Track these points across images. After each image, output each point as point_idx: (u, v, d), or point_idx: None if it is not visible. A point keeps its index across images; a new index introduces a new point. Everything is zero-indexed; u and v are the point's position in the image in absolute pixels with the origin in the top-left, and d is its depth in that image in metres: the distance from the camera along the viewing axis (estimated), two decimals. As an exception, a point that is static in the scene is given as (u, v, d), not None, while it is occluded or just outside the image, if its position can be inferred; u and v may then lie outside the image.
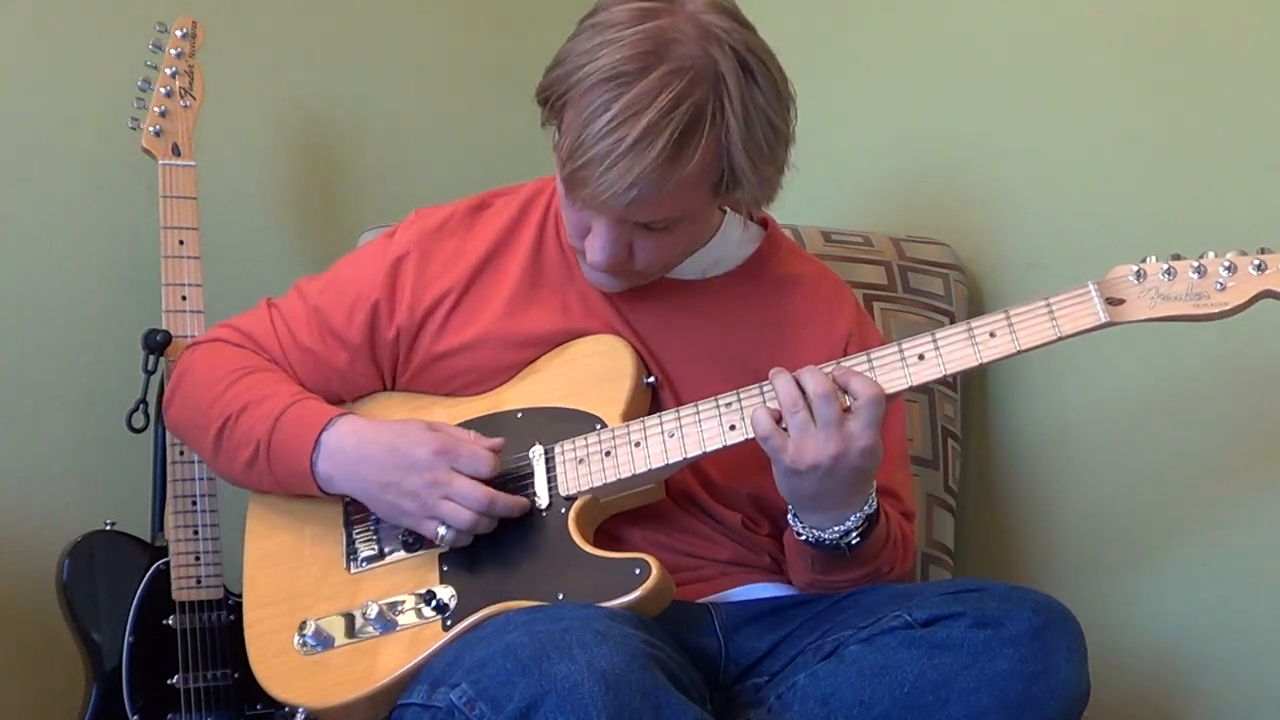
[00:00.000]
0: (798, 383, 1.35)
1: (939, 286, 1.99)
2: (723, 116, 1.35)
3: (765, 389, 1.40)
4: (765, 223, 1.63)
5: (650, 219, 1.40)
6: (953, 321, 1.96)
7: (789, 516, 1.43)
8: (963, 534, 2.00)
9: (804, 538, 1.42)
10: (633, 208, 1.37)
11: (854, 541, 1.41)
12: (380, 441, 1.44)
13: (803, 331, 1.57)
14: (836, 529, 1.40)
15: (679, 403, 1.49)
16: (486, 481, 1.41)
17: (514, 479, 1.45)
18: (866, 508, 1.40)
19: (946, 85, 2.08)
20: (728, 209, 1.59)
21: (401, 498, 1.41)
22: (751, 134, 1.37)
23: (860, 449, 1.34)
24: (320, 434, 1.45)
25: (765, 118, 1.38)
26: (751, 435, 1.38)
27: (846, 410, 1.34)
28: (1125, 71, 1.85)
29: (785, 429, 1.35)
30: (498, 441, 1.43)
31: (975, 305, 2.03)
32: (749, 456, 1.41)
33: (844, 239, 2.00)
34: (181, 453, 1.80)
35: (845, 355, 1.54)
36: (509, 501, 1.41)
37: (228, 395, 1.51)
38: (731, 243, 1.58)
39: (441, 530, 1.40)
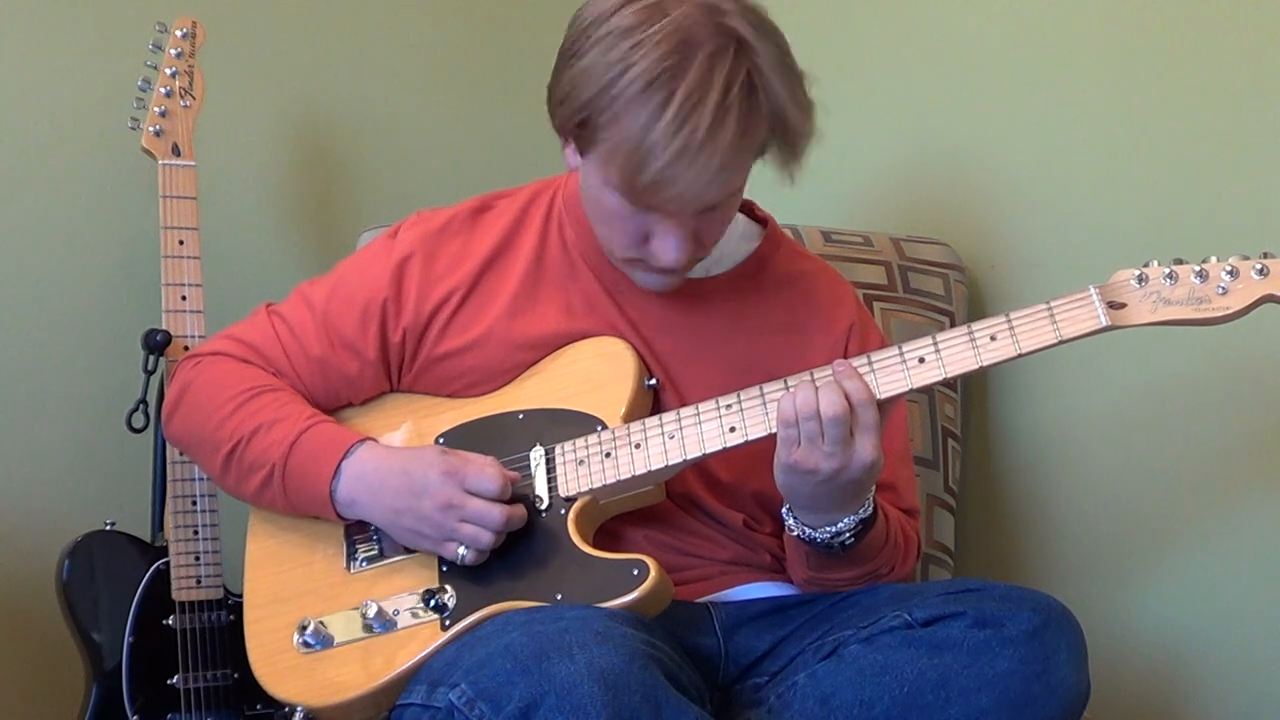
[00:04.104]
0: (815, 400, 1.34)
1: (939, 286, 1.99)
2: (765, 79, 1.36)
3: (766, 390, 1.40)
4: (765, 221, 1.63)
5: (723, 198, 1.41)
6: (953, 321, 1.96)
7: (784, 510, 1.44)
8: (963, 534, 2.00)
9: (796, 533, 1.43)
10: (715, 193, 1.38)
11: (847, 542, 1.41)
12: (395, 468, 1.43)
13: (806, 327, 1.57)
14: (827, 529, 1.40)
15: (681, 402, 1.49)
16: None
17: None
18: (862, 512, 1.40)
19: (947, 85, 2.08)
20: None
21: (418, 523, 1.41)
22: (790, 87, 1.38)
23: (861, 463, 1.33)
24: (341, 461, 1.45)
25: (789, 67, 1.39)
26: (750, 438, 1.39)
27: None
28: (1126, 71, 1.85)
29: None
30: (514, 475, 1.43)
31: (975, 305, 2.03)
32: (756, 453, 1.42)
33: (844, 239, 2.00)
34: (181, 453, 1.80)
35: (846, 350, 1.56)
36: (522, 515, 1.41)
37: (236, 417, 1.50)
38: (734, 239, 1.58)
39: (461, 550, 1.40)
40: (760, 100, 1.36)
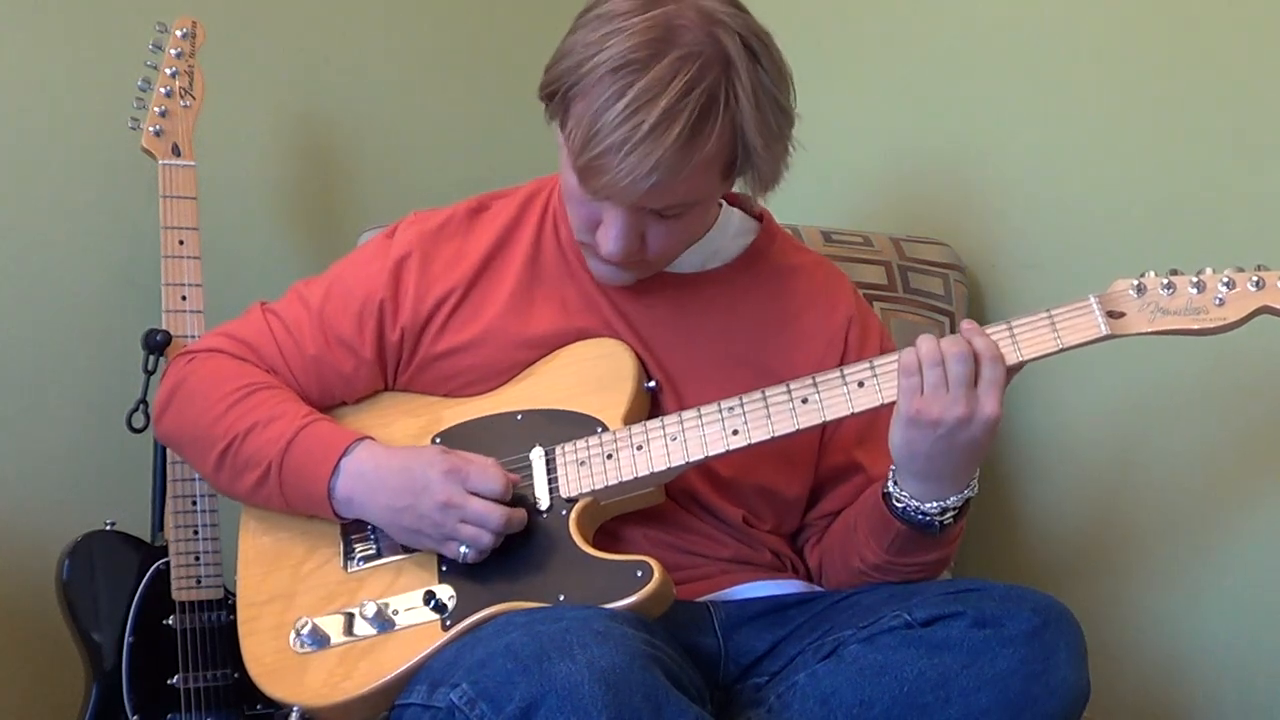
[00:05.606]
0: (939, 345, 1.35)
1: (939, 286, 1.99)
2: (735, 99, 1.36)
3: (768, 394, 1.40)
4: (761, 216, 1.63)
5: (665, 205, 1.40)
6: (953, 321, 1.97)
7: (888, 484, 1.42)
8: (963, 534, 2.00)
9: (901, 506, 1.41)
10: (650, 194, 1.36)
11: (947, 521, 1.41)
12: (395, 466, 1.43)
13: (802, 320, 1.57)
14: (935, 504, 1.40)
15: (678, 397, 1.49)
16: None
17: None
18: (968, 491, 1.40)
19: (947, 85, 2.08)
20: (723, 202, 1.59)
21: (418, 521, 1.41)
22: (762, 114, 1.38)
23: (985, 417, 1.33)
24: (340, 460, 1.45)
25: (772, 98, 1.39)
26: (753, 441, 1.39)
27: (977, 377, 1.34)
28: (1126, 72, 1.85)
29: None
30: (514, 477, 1.43)
31: (975, 305, 2.03)
32: (757, 449, 1.41)
33: (844, 239, 2.00)
34: (171, 451, 1.79)
35: (846, 341, 1.56)
36: (522, 517, 1.41)
37: (231, 414, 1.49)
38: (729, 234, 1.59)
39: (463, 549, 1.40)
40: (717, 118, 1.35)
